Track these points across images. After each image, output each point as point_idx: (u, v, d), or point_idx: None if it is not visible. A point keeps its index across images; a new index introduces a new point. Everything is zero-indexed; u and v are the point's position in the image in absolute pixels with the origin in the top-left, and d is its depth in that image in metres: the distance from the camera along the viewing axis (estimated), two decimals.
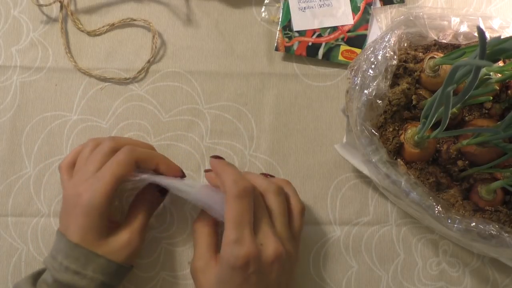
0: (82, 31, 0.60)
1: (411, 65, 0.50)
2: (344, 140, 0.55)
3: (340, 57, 0.58)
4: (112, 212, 0.54)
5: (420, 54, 0.51)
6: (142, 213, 0.50)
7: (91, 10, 0.61)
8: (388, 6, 0.59)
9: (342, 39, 0.58)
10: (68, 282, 0.44)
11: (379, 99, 0.48)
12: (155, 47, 0.59)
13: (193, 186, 0.49)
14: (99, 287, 0.45)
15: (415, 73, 0.50)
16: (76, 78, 0.59)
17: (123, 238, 0.47)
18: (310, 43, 0.58)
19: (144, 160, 0.49)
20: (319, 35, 0.58)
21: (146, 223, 0.50)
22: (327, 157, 0.57)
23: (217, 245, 0.48)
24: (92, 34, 0.60)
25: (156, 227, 0.55)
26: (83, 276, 0.45)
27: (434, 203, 0.46)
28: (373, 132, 0.48)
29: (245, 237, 0.43)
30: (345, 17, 0.59)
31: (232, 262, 0.42)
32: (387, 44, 0.49)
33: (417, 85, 0.51)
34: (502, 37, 0.38)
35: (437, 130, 0.44)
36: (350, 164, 0.54)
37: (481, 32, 0.33)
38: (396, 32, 0.50)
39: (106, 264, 0.45)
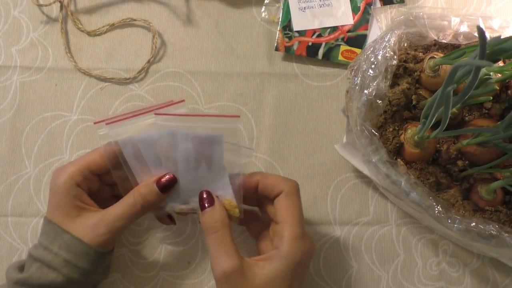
0: (82, 31, 0.60)
1: (411, 65, 0.50)
2: (344, 140, 0.55)
3: (340, 57, 0.58)
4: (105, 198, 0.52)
5: (420, 54, 0.51)
6: (126, 203, 0.47)
7: (91, 10, 0.61)
8: (388, 6, 0.59)
9: (342, 39, 0.58)
10: (37, 256, 0.46)
11: (379, 99, 0.48)
12: (155, 47, 0.59)
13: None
14: (63, 264, 0.45)
15: (415, 73, 0.50)
16: (76, 78, 0.59)
17: (92, 220, 0.46)
18: (310, 43, 0.58)
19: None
20: (319, 35, 0.58)
21: (128, 215, 0.46)
22: (327, 157, 0.57)
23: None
24: (92, 34, 0.60)
25: (156, 227, 0.55)
26: (49, 251, 0.46)
27: (434, 203, 0.46)
28: (373, 132, 0.48)
29: (305, 232, 0.44)
30: (345, 17, 0.59)
31: (298, 257, 0.43)
32: (387, 44, 0.49)
33: (417, 85, 0.51)
34: (502, 37, 0.38)
35: (437, 130, 0.44)
36: (350, 164, 0.54)
37: (481, 32, 0.33)
38: (396, 32, 0.50)
39: (71, 242, 0.46)
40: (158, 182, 0.47)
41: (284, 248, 0.43)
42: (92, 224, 0.46)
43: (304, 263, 0.44)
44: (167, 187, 0.47)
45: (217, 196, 0.47)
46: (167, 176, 0.47)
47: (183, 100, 0.49)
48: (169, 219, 0.51)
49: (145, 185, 0.47)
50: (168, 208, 0.49)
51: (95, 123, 0.48)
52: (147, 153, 0.47)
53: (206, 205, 0.46)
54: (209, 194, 0.46)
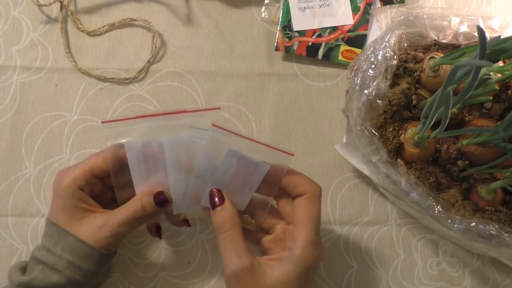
0: (82, 31, 0.60)
1: (411, 65, 0.50)
2: (344, 140, 0.55)
3: (340, 57, 0.58)
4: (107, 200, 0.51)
5: (420, 54, 0.51)
6: (130, 209, 0.46)
7: (91, 10, 0.61)
8: (388, 6, 0.59)
9: (342, 39, 0.58)
10: (40, 258, 0.46)
11: (379, 99, 0.48)
12: (155, 47, 0.59)
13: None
14: (66, 266, 0.45)
15: (415, 73, 0.50)
16: (76, 78, 0.59)
17: (97, 221, 0.46)
18: (310, 43, 0.58)
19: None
20: (319, 35, 0.58)
21: (132, 220, 0.46)
22: (327, 157, 0.57)
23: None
24: (92, 34, 0.60)
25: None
26: (52, 253, 0.46)
27: (434, 203, 0.46)
28: (373, 132, 0.48)
29: (319, 238, 0.44)
30: (345, 17, 0.59)
31: (310, 263, 0.43)
32: (387, 44, 0.49)
33: (417, 85, 0.51)
34: (502, 37, 0.38)
35: (437, 130, 0.44)
36: (350, 164, 0.54)
37: (481, 32, 0.33)
38: (396, 32, 0.50)
39: (74, 244, 0.46)
40: (155, 196, 0.46)
41: (297, 252, 0.43)
42: (97, 227, 0.46)
43: (314, 268, 0.44)
44: (163, 203, 0.46)
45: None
46: (162, 195, 0.46)
47: (219, 108, 0.47)
48: (184, 222, 0.51)
49: (147, 194, 0.47)
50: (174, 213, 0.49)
51: (103, 122, 0.47)
52: (149, 161, 0.46)
53: (217, 202, 0.45)
54: (219, 192, 0.46)
